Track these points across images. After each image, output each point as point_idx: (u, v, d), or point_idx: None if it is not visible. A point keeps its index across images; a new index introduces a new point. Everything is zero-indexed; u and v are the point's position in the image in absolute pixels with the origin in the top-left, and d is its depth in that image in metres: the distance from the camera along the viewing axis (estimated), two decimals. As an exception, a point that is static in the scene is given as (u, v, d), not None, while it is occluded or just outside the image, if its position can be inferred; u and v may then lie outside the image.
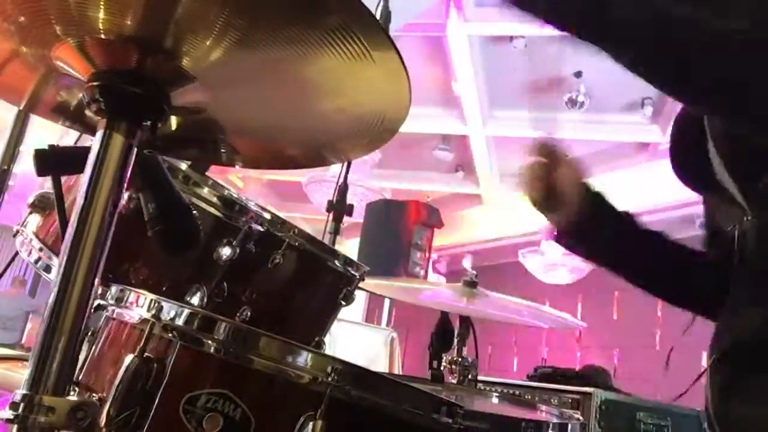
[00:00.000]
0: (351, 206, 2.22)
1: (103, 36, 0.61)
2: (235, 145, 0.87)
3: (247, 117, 0.79)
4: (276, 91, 0.72)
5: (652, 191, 5.36)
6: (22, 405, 0.57)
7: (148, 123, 0.67)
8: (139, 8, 0.58)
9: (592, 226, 1.08)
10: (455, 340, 1.66)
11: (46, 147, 0.77)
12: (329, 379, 0.69)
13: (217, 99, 0.72)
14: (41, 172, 0.77)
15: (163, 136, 0.72)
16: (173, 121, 0.77)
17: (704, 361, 0.87)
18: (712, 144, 0.82)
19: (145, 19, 0.59)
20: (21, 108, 0.90)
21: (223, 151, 0.88)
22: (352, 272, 1.22)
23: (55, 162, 0.78)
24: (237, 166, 0.95)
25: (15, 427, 0.57)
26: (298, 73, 0.66)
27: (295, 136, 0.84)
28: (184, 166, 1.01)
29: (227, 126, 0.80)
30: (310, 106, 0.75)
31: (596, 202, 1.10)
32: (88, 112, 0.68)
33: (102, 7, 0.58)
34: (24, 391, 0.58)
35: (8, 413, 0.57)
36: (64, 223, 0.82)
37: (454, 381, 1.62)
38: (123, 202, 0.67)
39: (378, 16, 1.89)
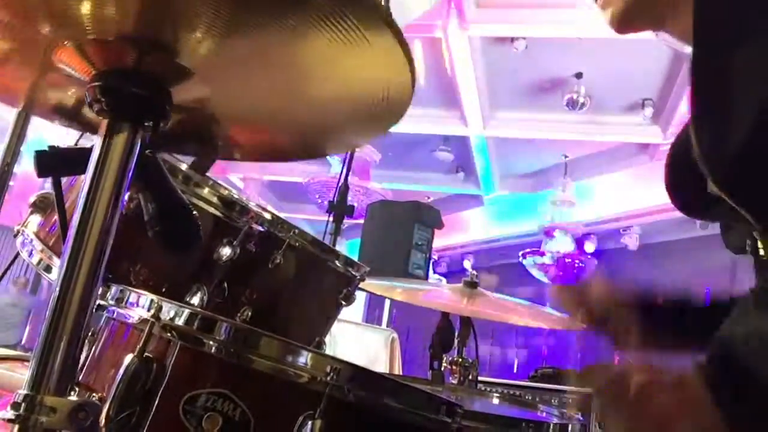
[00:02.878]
0: (351, 207, 2.22)
1: (100, 36, 0.61)
2: (233, 138, 0.87)
3: (246, 108, 0.78)
4: (273, 79, 0.71)
5: (652, 192, 5.36)
6: (23, 405, 0.57)
7: (150, 123, 0.67)
8: (133, 6, 0.58)
9: None
10: (456, 341, 1.66)
11: (46, 148, 0.77)
12: (328, 378, 0.69)
13: (217, 92, 0.72)
14: (41, 173, 0.77)
15: (161, 132, 0.72)
16: (174, 117, 0.76)
17: None
18: (708, 176, 0.81)
19: (139, 16, 0.59)
20: (21, 109, 0.90)
21: (221, 143, 0.88)
22: (353, 273, 1.22)
23: (55, 163, 0.78)
24: (236, 158, 0.94)
25: (16, 427, 0.57)
26: (292, 59, 0.65)
27: (295, 126, 0.83)
28: (184, 166, 1.01)
29: (226, 118, 0.80)
30: (309, 94, 0.73)
31: None
32: (89, 113, 0.68)
33: (97, 7, 0.58)
34: (25, 391, 0.58)
35: (10, 413, 0.57)
36: (64, 224, 0.83)
37: (455, 381, 1.62)
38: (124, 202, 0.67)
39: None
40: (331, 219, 2.21)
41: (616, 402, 0.68)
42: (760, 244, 0.80)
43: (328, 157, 5.49)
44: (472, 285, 1.70)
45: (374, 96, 0.70)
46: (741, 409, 0.65)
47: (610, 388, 0.69)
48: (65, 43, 0.63)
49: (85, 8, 0.58)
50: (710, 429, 0.65)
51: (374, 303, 7.52)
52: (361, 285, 1.28)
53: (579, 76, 5.02)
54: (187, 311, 0.73)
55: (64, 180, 0.97)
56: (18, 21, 0.61)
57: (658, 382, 0.67)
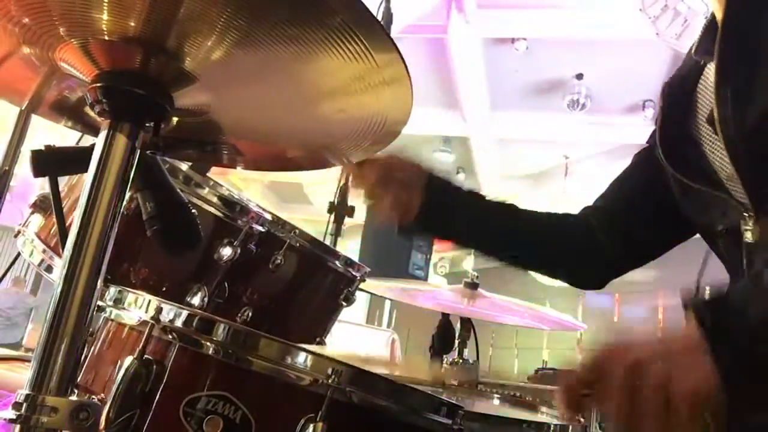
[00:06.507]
0: (352, 207, 2.22)
1: (106, 37, 0.61)
2: (236, 147, 0.88)
3: (249, 118, 0.79)
4: (277, 92, 0.72)
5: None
6: (25, 405, 0.57)
7: (151, 124, 0.67)
8: (143, 10, 0.59)
9: (442, 212, 1.07)
10: (456, 342, 1.66)
11: (42, 147, 0.77)
12: (330, 380, 0.69)
13: (218, 100, 0.72)
14: (38, 173, 0.77)
15: (164, 137, 0.72)
16: (175, 122, 0.77)
17: None
18: (723, 142, 0.80)
19: (148, 20, 0.59)
20: (23, 108, 0.90)
21: (224, 152, 0.89)
22: (353, 273, 1.22)
23: (51, 163, 0.78)
24: (238, 168, 0.95)
25: (18, 427, 0.57)
26: (299, 74, 0.66)
27: (297, 138, 0.84)
28: (185, 166, 1.01)
29: (229, 127, 0.80)
30: (312, 108, 0.74)
31: (441, 187, 1.07)
32: (91, 113, 0.68)
33: (105, 8, 0.59)
34: (27, 392, 0.58)
35: (11, 413, 0.57)
36: (62, 223, 0.82)
37: (455, 382, 1.62)
38: (125, 202, 0.67)
39: (379, 18, 1.90)
40: (331, 219, 2.20)
41: (610, 395, 0.62)
42: (744, 227, 0.79)
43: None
44: (472, 286, 1.70)
45: (376, 113, 0.71)
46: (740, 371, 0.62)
47: (599, 385, 0.63)
48: (72, 41, 0.63)
49: (97, 9, 0.58)
50: (710, 390, 0.59)
51: (375, 304, 7.51)
52: (361, 286, 1.28)
53: (580, 76, 5.02)
54: (186, 312, 0.73)
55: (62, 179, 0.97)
56: (28, 21, 0.61)
57: (645, 359, 0.62)
